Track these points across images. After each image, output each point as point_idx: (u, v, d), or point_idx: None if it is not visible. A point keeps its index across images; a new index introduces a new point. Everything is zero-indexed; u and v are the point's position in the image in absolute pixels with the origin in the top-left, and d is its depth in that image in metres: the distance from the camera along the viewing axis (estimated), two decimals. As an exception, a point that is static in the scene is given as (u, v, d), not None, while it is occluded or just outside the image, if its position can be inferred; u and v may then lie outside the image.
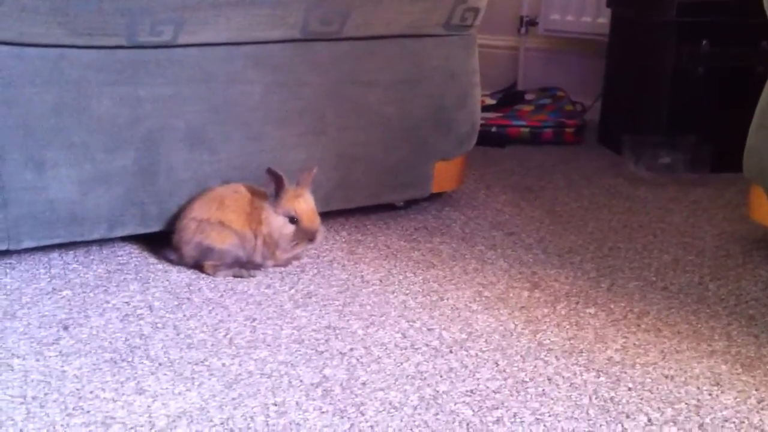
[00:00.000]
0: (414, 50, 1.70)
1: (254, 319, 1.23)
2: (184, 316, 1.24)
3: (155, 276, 1.38)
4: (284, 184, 1.43)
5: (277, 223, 1.43)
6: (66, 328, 1.18)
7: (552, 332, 1.23)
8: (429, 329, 1.23)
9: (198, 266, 1.44)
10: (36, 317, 1.22)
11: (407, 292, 1.36)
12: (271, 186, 1.45)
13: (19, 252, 1.43)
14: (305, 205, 1.44)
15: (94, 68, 1.38)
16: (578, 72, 2.73)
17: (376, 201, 1.75)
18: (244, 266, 1.44)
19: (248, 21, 1.46)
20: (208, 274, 1.42)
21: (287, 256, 1.48)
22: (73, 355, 1.11)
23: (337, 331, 1.21)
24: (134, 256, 1.47)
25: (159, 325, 1.21)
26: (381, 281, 1.40)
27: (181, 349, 1.14)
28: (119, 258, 1.46)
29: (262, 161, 1.53)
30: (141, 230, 1.50)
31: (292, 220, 1.43)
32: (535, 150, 2.38)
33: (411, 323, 1.24)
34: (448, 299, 1.33)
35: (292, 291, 1.35)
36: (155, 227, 1.51)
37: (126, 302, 1.28)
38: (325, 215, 1.50)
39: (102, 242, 1.51)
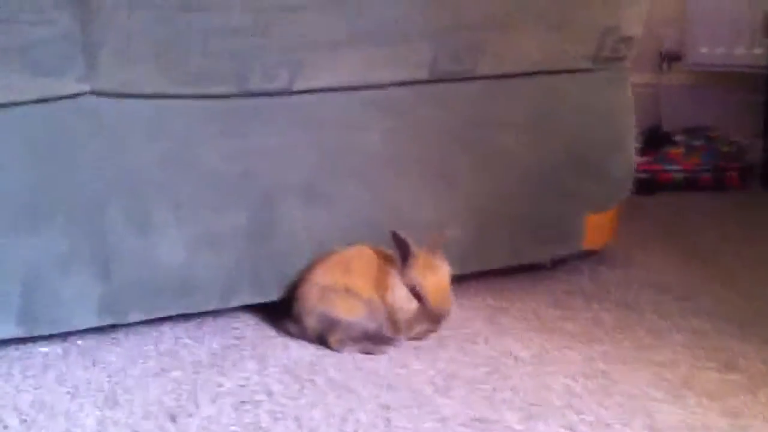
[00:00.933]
0: (556, 87, 1.49)
1: (389, 408, 1.03)
2: (307, 403, 1.05)
3: (274, 353, 1.21)
4: (411, 250, 1.25)
5: (400, 296, 1.25)
6: (174, 419, 1.02)
7: (759, 427, 0.99)
8: (605, 424, 0.99)
9: (321, 339, 1.27)
10: (140, 405, 1.05)
11: (568, 373, 1.13)
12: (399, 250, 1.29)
13: (126, 325, 1.30)
14: (435, 279, 1.24)
15: (200, 119, 1.25)
16: (731, 109, 2.43)
17: (518, 261, 1.53)
18: (373, 340, 1.26)
19: (367, 62, 1.32)
20: (333, 349, 1.24)
21: (409, 335, 1.28)
22: (180, 454, 0.95)
23: (490, 425, 0.99)
24: (251, 327, 1.31)
25: (279, 415, 1.02)
26: (535, 359, 1.18)
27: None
28: (235, 331, 1.29)
29: (385, 218, 1.36)
30: (257, 299, 1.34)
31: (418, 296, 1.24)
32: (689, 197, 2.12)
33: (580, 415, 1.01)
34: (620, 383, 1.09)
35: (431, 372, 1.14)
36: (273, 295, 1.35)
37: (242, 385, 1.10)
38: (459, 278, 1.28)
39: (216, 313, 1.35)
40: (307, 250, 1.34)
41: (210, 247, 1.29)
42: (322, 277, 1.30)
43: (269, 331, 1.30)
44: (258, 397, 1.07)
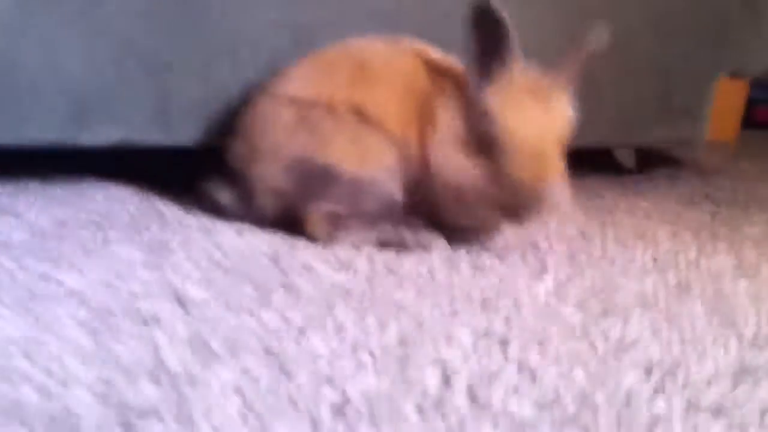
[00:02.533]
0: None
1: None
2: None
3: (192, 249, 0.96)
4: (510, 48, 0.74)
5: (454, 141, 0.76)
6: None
7: None
8: None
9: (288, 217, 0.85)
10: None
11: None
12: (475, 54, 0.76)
13: None
14: (537, 121, 0.75)
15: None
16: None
17: (630, 141, 1.25)
18: (399, 223, 0.83)
19: None
20: (313, 238, 0.85)
21: (466, 225, 0.84)
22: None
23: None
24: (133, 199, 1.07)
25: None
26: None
27: None
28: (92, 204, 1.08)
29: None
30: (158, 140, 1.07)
31: (489, 143, 0.74)
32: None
33: None
34: None
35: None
36: (185, 139, 1.07)
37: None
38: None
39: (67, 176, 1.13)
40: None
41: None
42: (300, 86, 0.84)
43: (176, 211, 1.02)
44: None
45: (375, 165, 0.81)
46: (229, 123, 0.98)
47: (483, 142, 0.75)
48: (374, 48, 0.86)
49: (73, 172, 1.25)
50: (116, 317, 0.74)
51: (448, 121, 0.77)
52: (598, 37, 0.80)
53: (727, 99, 1.34)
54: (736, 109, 1.38)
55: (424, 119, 0.78)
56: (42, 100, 1.01)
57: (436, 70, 0.81)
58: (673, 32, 1.25)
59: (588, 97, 1.21)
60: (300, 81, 0.88)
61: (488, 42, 0.76)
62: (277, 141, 0.86)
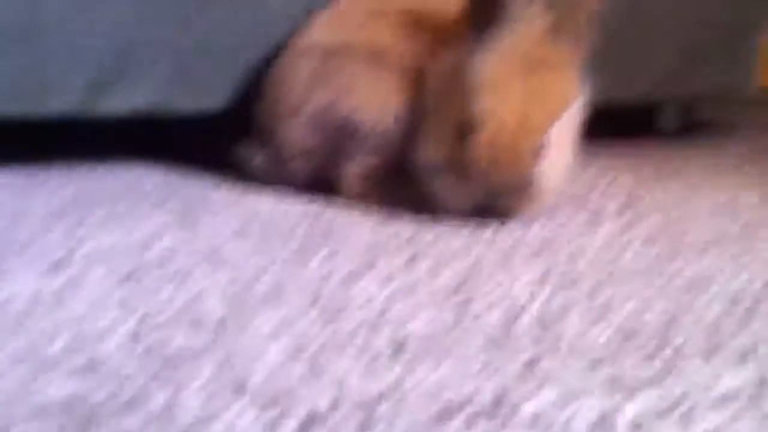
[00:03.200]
0: None
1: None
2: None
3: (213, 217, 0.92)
4: (509, 9, 0.69)
5: (443, 91, 0.72)
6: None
7: None
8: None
9: (321, 179, 0.83)
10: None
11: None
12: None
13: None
14: (524, 86, 0.69)
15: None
16: None
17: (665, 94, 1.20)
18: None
19: None
20: (353, 198, 0.83)
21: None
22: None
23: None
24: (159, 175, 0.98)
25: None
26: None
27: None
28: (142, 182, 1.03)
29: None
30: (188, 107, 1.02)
31: (467, 124, 0.69)
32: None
33: None
34: None
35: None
36: (215, 102, 1.01)
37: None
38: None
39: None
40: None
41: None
42: (319, 34, 0.82)
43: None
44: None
45: (397, 112, 0.77)
46: (258, 82, 0.94)
47: (462, 122, 0.69)
48: None
49: (97, 150, 1.21)
50: (151, 272, 0.69)
51: (434, 87, 0.72)
52: None
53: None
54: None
55: (429, 52, 0.74)
56: (60, 67, 0.96)
57: (455, 14, 0.74)
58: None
59: (628, 50, 1.17)
60: (319, 28, 0.85)
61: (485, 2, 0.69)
62: (299, 95, 0.82)
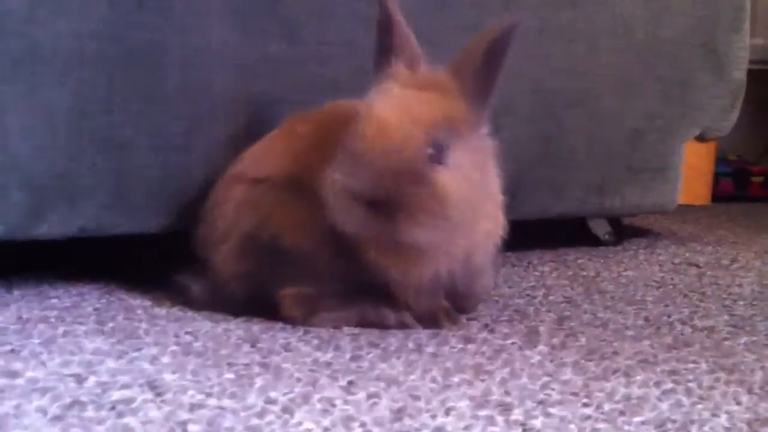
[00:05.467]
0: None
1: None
2: None
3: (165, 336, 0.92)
4: (398, 47, 0.79)
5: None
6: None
7: None
8: None
9: (267, 302, 0.87)
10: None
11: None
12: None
13: None
14: (403, 105, 0.76)
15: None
16: None
17: (595, 209, 1.27)
18: (379, 300, 0.85)
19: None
20: (293, 321, 0.88)
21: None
22: None
23: None
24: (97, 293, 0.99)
25: None
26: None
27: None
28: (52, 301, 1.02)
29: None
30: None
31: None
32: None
33: None
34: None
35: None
36: (149, 225, 1.04)
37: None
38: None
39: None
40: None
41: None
42: (249, 165, 0.87)
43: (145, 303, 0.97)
44: None
45: (314, 233, 0.81)
46: (194, 209, 0.95)
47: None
48: (326, 111, 0.88)
49: (35, 269, 1.19)
50: (86, 407, 0.68)
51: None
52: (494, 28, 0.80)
53: (697, 163, 1.34)
54: (706, 173, 1.38)
55: None
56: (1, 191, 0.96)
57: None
58: (636, 93, 1.26)
59: (558, 166, 1.22)
60: (249, 160, 0.89)
61: (384, 40, 0.79)
62: (230, 221, 0.86)
